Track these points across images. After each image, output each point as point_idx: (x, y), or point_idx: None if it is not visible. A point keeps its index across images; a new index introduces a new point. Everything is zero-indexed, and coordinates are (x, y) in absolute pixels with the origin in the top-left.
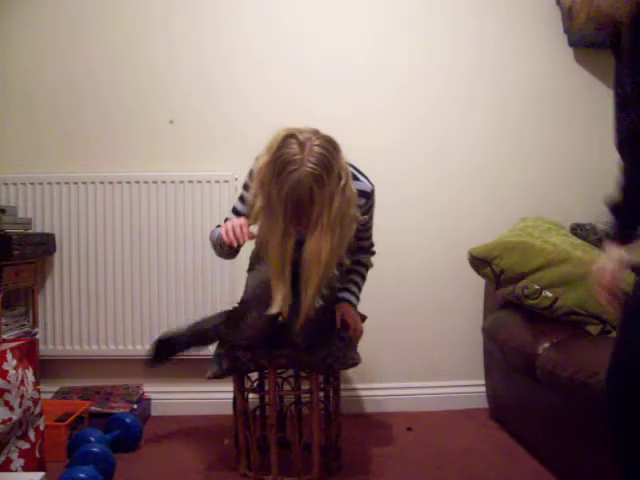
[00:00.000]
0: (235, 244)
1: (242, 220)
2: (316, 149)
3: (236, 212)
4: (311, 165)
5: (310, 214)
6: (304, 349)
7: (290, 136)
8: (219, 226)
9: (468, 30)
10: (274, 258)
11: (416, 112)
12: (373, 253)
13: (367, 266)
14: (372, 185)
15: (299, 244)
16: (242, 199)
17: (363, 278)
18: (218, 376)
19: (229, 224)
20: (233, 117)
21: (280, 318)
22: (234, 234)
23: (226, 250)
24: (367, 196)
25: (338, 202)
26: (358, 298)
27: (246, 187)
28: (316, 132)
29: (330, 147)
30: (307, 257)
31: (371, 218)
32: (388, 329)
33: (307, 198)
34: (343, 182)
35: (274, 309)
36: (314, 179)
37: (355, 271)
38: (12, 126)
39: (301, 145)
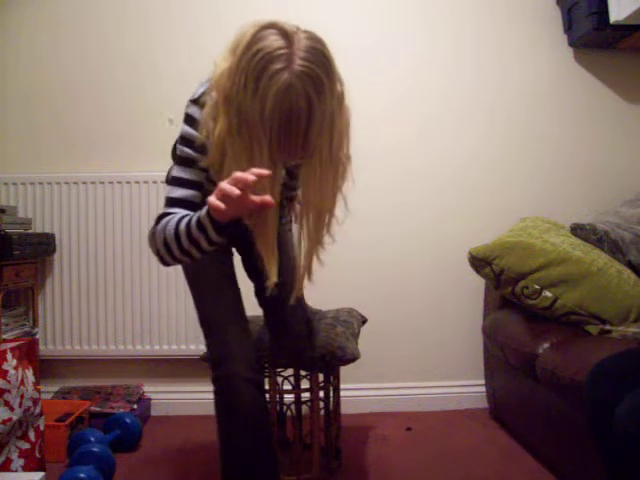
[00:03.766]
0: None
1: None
2: (307, 42)
3: (174, 201)
4: (304, 63)
5: (306, 136)
6: (303, 337)
7: (268, 26)
8: (160, 220)
9: (469, 31)
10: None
11: (417, 115)
12: None
13: None
14: None
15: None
16: (185, 161)
17: None
18: None
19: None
20: None
21: (270, 292)
22: (232, 188)
23: (211, 235)
24: None
25: (339, 123)
26: None
27: (187, 142)
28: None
29: (324, 42)
30: (307, 201)
31: None
32: (388, 329)
33: (303, 111)
34: (343, 95)
35: (272, 281)
36: (311, 82)
37: None
38: (12, 126)
39: (286, 36)
